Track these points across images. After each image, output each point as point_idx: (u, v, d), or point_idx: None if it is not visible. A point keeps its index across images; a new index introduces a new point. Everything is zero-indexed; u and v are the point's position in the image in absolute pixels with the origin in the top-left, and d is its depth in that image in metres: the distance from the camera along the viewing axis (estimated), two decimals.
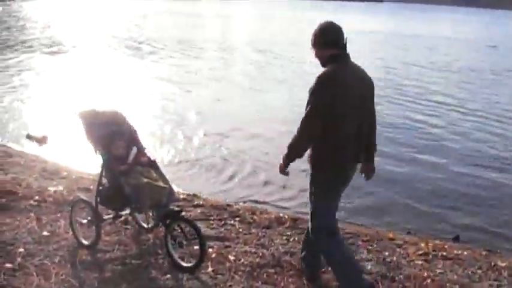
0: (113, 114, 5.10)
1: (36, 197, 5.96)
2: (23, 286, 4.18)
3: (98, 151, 4.89)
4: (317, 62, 4.12)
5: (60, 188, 6.42)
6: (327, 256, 4.21)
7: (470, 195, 7.92)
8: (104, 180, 4.93)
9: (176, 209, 4.78)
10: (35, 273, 4.38)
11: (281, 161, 4.05)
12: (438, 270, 4.91)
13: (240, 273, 4.65)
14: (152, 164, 4.97)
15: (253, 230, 5.63)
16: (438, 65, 23.96)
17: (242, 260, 4.86)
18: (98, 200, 4.91)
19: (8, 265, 4.47)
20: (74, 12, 45.41)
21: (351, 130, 3.94)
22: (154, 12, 53.10)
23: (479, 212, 7.28)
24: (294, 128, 3.95)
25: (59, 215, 5.60)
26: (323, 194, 4.08)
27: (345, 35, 4.00)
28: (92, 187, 6.51)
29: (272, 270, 4.74)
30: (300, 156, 3.99)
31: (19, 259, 4.58)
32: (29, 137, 8.63)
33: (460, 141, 10.89)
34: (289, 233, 5.61)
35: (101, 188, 4.94)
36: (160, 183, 4.74)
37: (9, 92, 12.34)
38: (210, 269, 4.65)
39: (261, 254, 5.00)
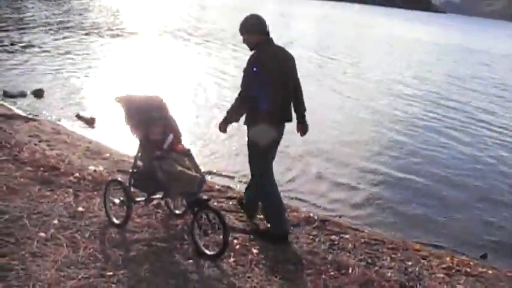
0: (154, 100, 5.25)
1: (77, 174, 6.22)
2: (52, 255, 4.39)
3: (135, 135, 5.10)
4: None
5: (100, 168, 6.67)
6: (260, 187, 5.34)
7: (506, 212, 7.73)
8: (140, 164, 5.12)
9: (205, 197, 4.90)
10: (65, 245, 4.59)
11: (221, 124, 5.26)
12: (458, 286, 4.85)
13: (260, 266, 4.75)
14: (187, 153, 5.10)
15: None
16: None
17: (264, 254, 4.95)
18: (132, 182, 5.11)
19: (42, 234, 4.71)
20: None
21: (277, 96, 5.05)
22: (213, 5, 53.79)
23: None
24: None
25: (95, 193, 5.82)
26: (259, 146, 5.13)
27: (268, 24, 5.18)
28: (129, 169, 6.75)
29: (292, 267, 4.81)
30: (236, 120, 5.27)
31: (52, 230, 4.81)
32: (78, 117, 8.98)
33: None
34: (315, 233, 5.66)
35: (135, 170, 5.14)
36: (193, 172, 4.88)
37: (67, 73, 12.81)
38: (231, 260, 4.76)
39: (284, 251, 5.07)
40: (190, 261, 4.66)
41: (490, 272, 5.32)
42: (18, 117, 8.37)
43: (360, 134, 10.92)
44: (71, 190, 5.79)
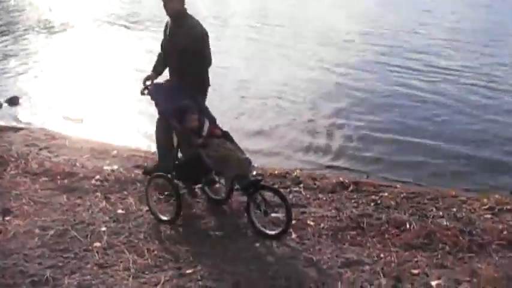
0: (184, 88, 5.11)
1: (97, 177, 5.97)
2: (121, 264, 4.24)
3: (172, 125, 4.93)
4: None
5: (115, 166, 6.41)
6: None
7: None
8: (180, 155, 4.96)
9: (258, 178, 4.82)
10: (126, 251, 4.44)
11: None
12: (511, 222, 5.02)
13: (324, 237, 4.75)
14: (226, 135, 4.99)
15: (320, 195, 5.69)
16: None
17: (322, 225, 4.94)
18: (174, 174, 4.94)
19: (97, 244, 4.54)
20: None
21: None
22: None
23: None
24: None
25: (125, 193, 5.62)
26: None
27: None
28: (145, 164, 6.55)
29: (354, 233, 4.83)
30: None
31: (105, 237, 4.64)
32: (66, 118, 8.57)
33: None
34: (355, 196, 5.68)
35: (176, 162, 4.98)
36: (240, 154, 4.77)
37: (23, 75, 12.11)
38: (294, 236, 4.74)
39: (338, 218, 5.08)
40: (257, 244, 4.61)
41: None
42: (5, 128, 7.89)
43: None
44: (99, 194, 5.57)
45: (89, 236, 4.65)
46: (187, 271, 4.13)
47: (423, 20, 18.63)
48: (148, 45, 12.39)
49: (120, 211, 5.17)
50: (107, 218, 5.01)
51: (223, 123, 5.30)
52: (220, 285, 3.97)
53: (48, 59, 12.78)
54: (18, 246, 4.43)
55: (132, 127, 8.42)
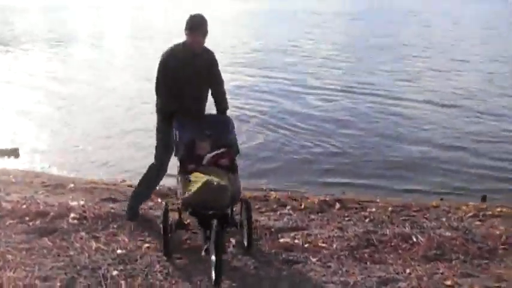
0: (214, 119, 5.05)
1: (72, 215, 5.39)
2: None
3: (178, 155, 4.71)
4: None
5: (82, 202, 5.85)
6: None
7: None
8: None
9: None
10: None
11: None
12: (501, 227, 5.39)
13: (343, 258, 4.72)
14: (233, 168, 4.76)
15: (312, 216, 5.69)
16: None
17: (334, 246, 4.92)
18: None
19: None
20: None
21: None
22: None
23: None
24: None
25: (111, 230, 5.15)
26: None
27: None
28: (112, 196, 6.10)
29: (368, 250, 4.87)
30: None
31: (123, 283, 4.18)
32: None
33: None
34: (346, 214, 5.76)
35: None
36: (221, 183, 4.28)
37: None
38: (314, 260, 4.66)
39: (346, 237, 5.09)
40: (285, 273, 4.43)
41: (504, 209, 5.98)
42: None
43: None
44: (84, 234, 5.05)
45: (103, 283, 4.17)
46: None
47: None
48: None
49: (119, 251, 4.71)
50: (110, 260, 4.53)
51: None
52: None
53: None
54: None
55: (72, 154, 7.80)
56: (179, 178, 4.61)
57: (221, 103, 5.24)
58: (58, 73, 14.59)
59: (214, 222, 4.11)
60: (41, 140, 8.66)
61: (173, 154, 4.88)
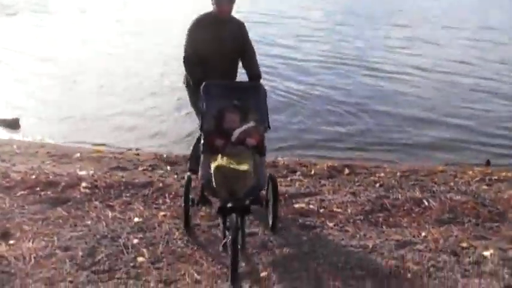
0: (244, 87, 4.74)
1: (84, 184, 5.36)
2: (185, 277, 3.86)
3: (205, 128, 4.40)
4: None
5: (91, 171, 5.82)
6: None
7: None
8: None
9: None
10: (178, 262, 4.03)
11: None
12: (509, 191, 5.49)
13: (358, 222, 4.78)
14: (260, 150, 4.29)
15: (323, 182, 5.74)
16: None
17: (349, 211, 4.98)
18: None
19: (141, 259, 4.03)
20: None
21: None
22: None
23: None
24: None
25: (124, 199, 5.13)
26: None
27: None
28: (121, 165, 6.09)
29: (382, 214, 4.94)
30: None
31: (145, 250, 4.16)
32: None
33: None
34: (356, 179, 5.83)
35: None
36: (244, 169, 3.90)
37: None
38: (331, 224, 4.71)
39: (359, 202, 5.15)
40: (305, 238, 4.47)
41: (510, 174, 6.08)
42: None
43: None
44: (97, 203, 5.01)
45: (124, 251, 4.17)
46: (262, 274, 3.90)
47: None
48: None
49: (137, 219, 4.70)
50: (129, 229, 4.51)
51: None
52: (301, 284, 3.81)
53: None
54: (55, 274, 3.81)
55: (74, 124, 7.72)
56: (202, 157, 4.26)
57: (252, 68, 5.04)
58: (55, 41, 14.12)
59: (233, 216, 3.71)
60: (41, 110, 8.50)
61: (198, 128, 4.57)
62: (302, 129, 8.41)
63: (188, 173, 4.74)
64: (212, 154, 4.12)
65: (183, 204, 4.38)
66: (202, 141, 4.37)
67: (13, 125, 7.50)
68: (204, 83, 4.51)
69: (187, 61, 4.94)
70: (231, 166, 3.85)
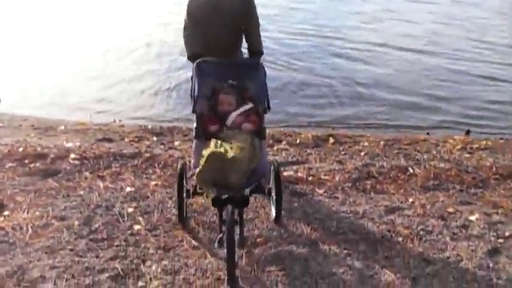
0: (241, 65, 4.32)
1: (72, 155, 5.35)
2: (183, 243, 3.93)
3: (197, 110, 4.04)
4: None
5: (78, 143, 5.79)
6: None
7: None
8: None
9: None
10: (174, 228, 4.10)
11: None
12: (490, 159, 5.69)
13: (347, 189, 4.90)
14: (260, 133, 3.97)
15: (309, 151, 5.83)
16: None
17: (337, 178, 5.09)
18: None
19: (138, 227, 4.11)
20: None
21: None
22: None
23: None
24: None
25: (114, 169, 5.15)
26: None
27: None
28: (107, 137, 6.09)
29: (369, 182, 5.07)
30: None
31: (141, 219, 4.23)
32: None
33: None
34: (341, 148, 5.94)
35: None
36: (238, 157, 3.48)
37: None
38: (321, 191, 4.82)
39: (346, 170, 5.26)
40: (302, 201, 4.58)
41: (489, 143, 6.29)
42: None
43: None
44: (88, 174, 5.03)
45: (120, 220, 4.21)
46: (258, 240, 3.99)
47: None
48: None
49: (129, 189, 4.74)
50: (122, 198, 4.56)
51: None
52: (297, 248, 3.92)
53: None
54: (54, 243, 3.83)
55: (55, 96, 7.64)
56: (194, 143, 3.98)
57: (253, 43, 4.61)
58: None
59: (229, 208, 3.32)
60: (20, 83, 8.36)
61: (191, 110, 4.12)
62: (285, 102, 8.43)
63: (181, 160, 4.42)
64: (206, 140, 3.82)
65: (176, 196, 4.04)
66: (195, 125, 4.05)
67: None
68: (196, 61, 4.14)
69: (185, 35, 4.63)
70: (220, 151, 3.49)
